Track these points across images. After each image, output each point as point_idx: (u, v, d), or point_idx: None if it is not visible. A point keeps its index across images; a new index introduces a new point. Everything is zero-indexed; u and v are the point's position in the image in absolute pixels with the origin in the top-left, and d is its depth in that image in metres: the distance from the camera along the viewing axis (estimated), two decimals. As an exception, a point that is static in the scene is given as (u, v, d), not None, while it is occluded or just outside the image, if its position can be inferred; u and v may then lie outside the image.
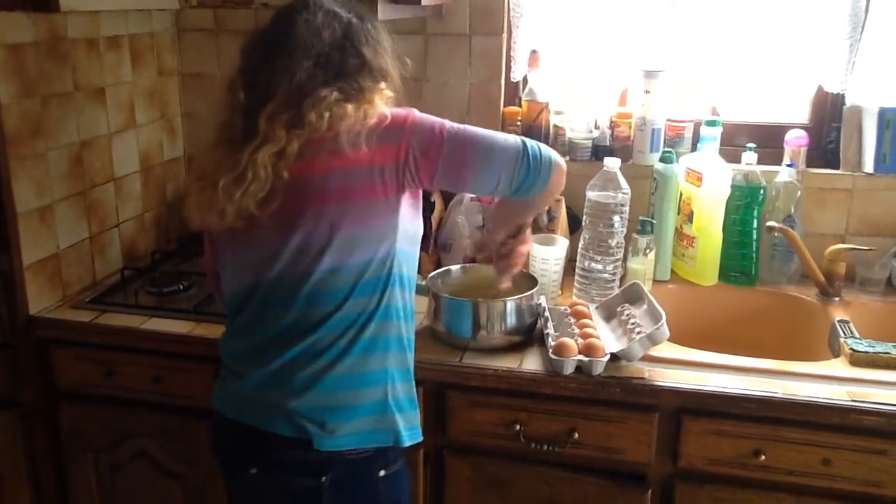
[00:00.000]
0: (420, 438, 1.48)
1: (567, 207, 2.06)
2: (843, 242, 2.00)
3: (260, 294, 1.41)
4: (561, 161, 1.47)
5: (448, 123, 1.40)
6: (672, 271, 2.08)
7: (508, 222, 1.60)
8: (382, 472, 1.43)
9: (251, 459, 1.44)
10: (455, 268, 1.86)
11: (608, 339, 1.68)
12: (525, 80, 2.22)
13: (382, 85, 1.41)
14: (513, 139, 1.43)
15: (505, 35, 2.17)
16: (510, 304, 1.67)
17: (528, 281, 1.77)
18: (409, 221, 1.42)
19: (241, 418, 1.43)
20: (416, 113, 1.40)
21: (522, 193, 1.45)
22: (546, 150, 1.45)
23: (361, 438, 1.39)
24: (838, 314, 1.84)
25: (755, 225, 2.00)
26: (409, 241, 1.43)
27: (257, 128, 1.33)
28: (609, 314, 1.82)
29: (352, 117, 1.34)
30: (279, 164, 1.33)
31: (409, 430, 1.45)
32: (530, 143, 1.43)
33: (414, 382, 1.50)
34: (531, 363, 1.63)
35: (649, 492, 1.62)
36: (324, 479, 1.39)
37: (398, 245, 1.38)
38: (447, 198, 2.13)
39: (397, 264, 1.39)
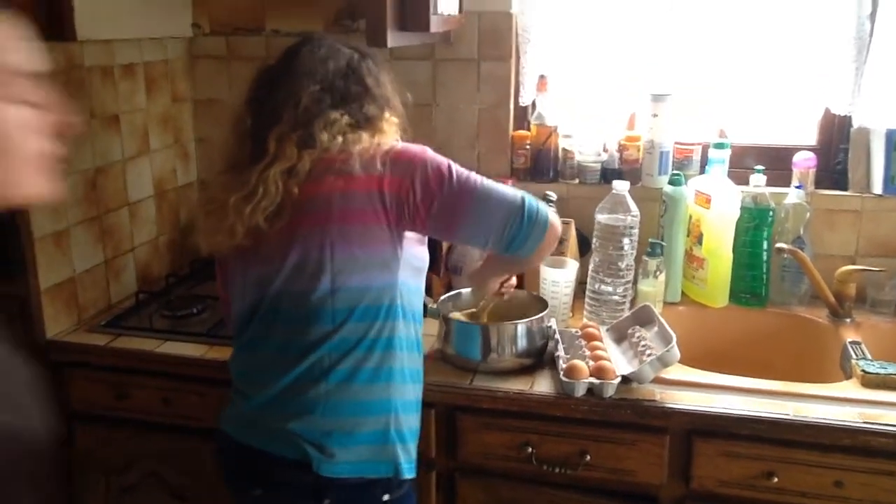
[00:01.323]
0: (415, 473, 1.48)
1: (577, 230, 2.07)
2: (853, 264, 2.00)
3: (262, 311, 1.43)
4: (557, 223, 1.46)
5: (456, 167, 1.41)
6: (682, 293, 2.08)
7: (498, 276, 1.64)
8: (386, 497, 1.42)
9: (254, 481, 1.45)
10: (465, 291, 1.87)
11: (619, 362, 1.69)
12: (534, 104, 2.24)
13: (387, 113, 1.46)
14: (512, 193, 1.43)
15: (513, 60, 2.19)
16: (520, 328, 1.68)
17: (538, 304, 1.78)
18: (413, 253, 1.43)
19: (245, 439, 1.44)
20: (429, 151, 1.42)
21: (514, 250, 1.44)
22: (544, 209, 1.44)
23: (361, 467, 1.39)
24: (849, 335, 1.84)
25: (765, 246, 2.01)
26: (412, 274, 1.44)
27: (266, 148, 1.37)
28: (620, 336, 1.82)
29: (366, 143, 1.38)
30: (290, 181, 1.36)
31: (409, 462, 1.45)
32: (530, 200, 1.43)
33: (419, 414, 1.50)
34: (542, 386, 1.64)
35: (661, 514, 1.62)
36: (326, 501, 1.39)
37: (401, 276, 1.40)
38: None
39: (400, 295, 1.40)
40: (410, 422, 1.46)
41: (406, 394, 1.44)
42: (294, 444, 1.38)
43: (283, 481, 1.41)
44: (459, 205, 1.39)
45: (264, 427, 1.41)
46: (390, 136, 1.46)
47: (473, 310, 1.78)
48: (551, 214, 1.45)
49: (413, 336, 1.46)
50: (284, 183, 1.36)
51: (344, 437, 1.38)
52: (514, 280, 1.71)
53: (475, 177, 1.42)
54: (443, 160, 1.41)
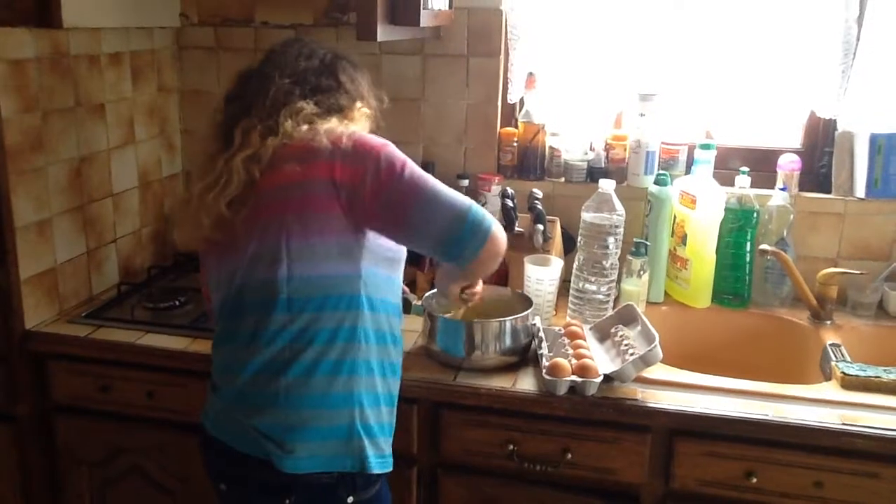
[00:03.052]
0: (390, 468, 1.45)
1: (562, 228, 2.08)
2: (835, 266, 2.01)
3: (229, 303, 1.43)
4: (501, 236, 1.44)
5: (411, 165, 1.40)
6: (666, 293, 2.09)
7: (455, 283, 1.59)
8: (351, 499, 1.40)
9: (221, 476, 1.46)
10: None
11: (602, 360, 1.69)
12: (521, 101, 2.24)
13: (359, 104, 1.49)
14: (461, 200, 1.41)
15: (502, 57, 2.19)
16: (505, 325, 1.68)
17: (523, 301, 1.78)
18: (382, 243, 1.41)
19: (215, 433, 1.45)
20: (390, 146, 1.40)
21: (453, 257, 1.43)
22: (489, 221, 1.41)
23: (324, 462, 1.37)
24: (830, 337, 1.86)
25: (748, 248, 2.02)
26: (383, 264, 1.43)
27: (233, 139, 1.39)
28: (603, 335, 1.83)
29: (333, 130, 1.39)
30: (252, 167, 1.37)
31: (379, 457, 1.42)
32: (477, 209, 1.41)
33: (392, 408, 1.48)
34: (525, 383, 1.64)
35: (642, 513, 1.63)
36: (287, 501, 1.38)
37: (366, 265, 1.38)
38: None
39: (364, 286, 1.38)
40: (380, 415, 1.43)
41: (374, 387, 1.41)
42: (255, 441, 1.37)
43: (245, 478, 1.41)
44: (406, 202, 1.38)
45: (231, 422, 1.41)
46: (360, 125, 1.49)
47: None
48: (495, 226, 1.42)
49: (384, 328, 1.44)
50: (248, 169, 1.37)
51: (305, 432, 1.36)
52: (478, 287, 1.64)
53: (428, 178, 1.40)
54: (399, 156, 1.39)
